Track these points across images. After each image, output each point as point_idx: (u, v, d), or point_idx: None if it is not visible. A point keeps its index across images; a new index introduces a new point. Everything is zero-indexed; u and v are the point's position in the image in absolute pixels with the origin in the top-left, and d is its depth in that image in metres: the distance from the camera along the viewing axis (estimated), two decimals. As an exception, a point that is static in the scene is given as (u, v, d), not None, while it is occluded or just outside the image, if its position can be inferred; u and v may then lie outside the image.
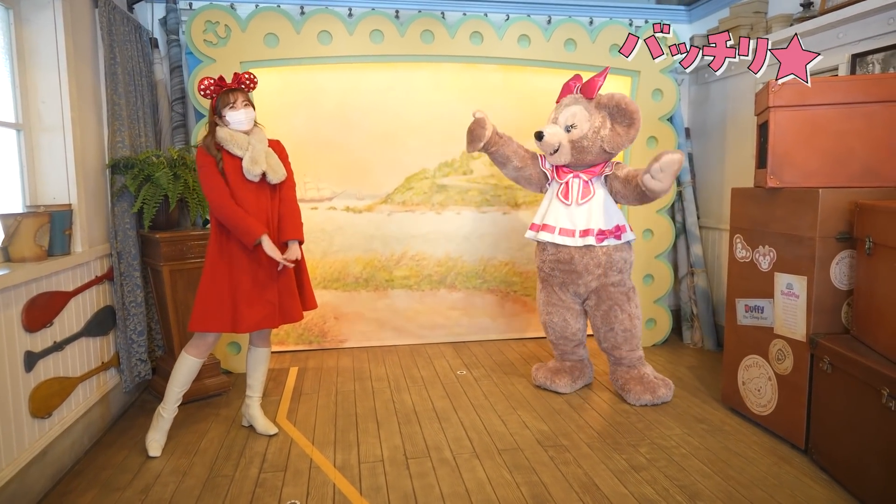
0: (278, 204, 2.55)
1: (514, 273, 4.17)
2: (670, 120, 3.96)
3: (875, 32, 2.79)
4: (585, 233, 2.94)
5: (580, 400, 3.10)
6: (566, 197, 3.00)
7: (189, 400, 3.00)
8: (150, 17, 3.59)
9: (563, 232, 2.97)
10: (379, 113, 3.87)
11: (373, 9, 3.67)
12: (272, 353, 3.33)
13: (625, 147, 2.96)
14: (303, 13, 3.62)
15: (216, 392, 3.18)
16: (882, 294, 2.14)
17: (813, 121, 2.46)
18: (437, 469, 2.40)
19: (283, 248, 2.54)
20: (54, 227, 2.46)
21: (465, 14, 3.79)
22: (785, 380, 2.56)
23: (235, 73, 2.51)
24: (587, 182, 2.99)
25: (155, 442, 2.53)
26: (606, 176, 3.00)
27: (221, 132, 2.44)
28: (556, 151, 2.97)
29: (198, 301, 2.44)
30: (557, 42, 3.76)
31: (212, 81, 2.45)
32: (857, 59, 2.89)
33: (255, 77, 2.53)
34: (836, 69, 2.99)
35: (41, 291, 2.32)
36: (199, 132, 3.44)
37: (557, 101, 3.12)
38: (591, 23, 3.96)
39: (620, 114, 2.89)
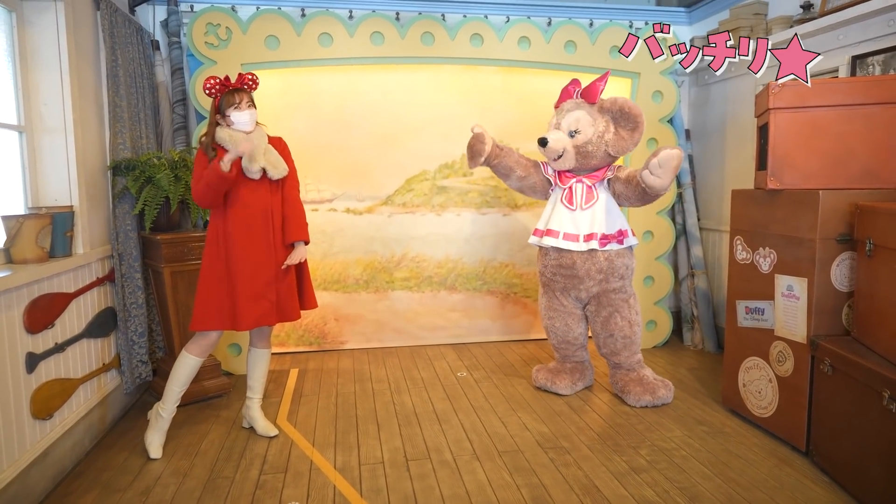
0: (281, 203, 2.55)
1: (514, 275, 4.17)
2: (670, 121, 3.97)
3: (875, 34, 2.79)
4: (589, 237, 2.95)
5: (580, 402, 3.10)
6: (570, 202, 3.00)
7: (189, 401, 3.01)
8: (152, 19, 3.60)
9: (567, 237, 2.97)
10: (379, 115, 3.88)
11: (373, 11, 3.68)
12: (272, 354, 3.34)
13: (629, 150, 2.96)
14: (303, 15, 3.63)
15: (217, 393, 3.18)
16: (883, 296, 2.14)
17: (813, 122, 2.46)
18: (438, 471, 2.40)
19: (288, 249, 2.55)
20: (56, 228, 2.47)
21: (465, 16, 3.80)
22: (785, 382, 2.56)
23: (239, 74, 2.53)
24: (591, 187, 2.99)
25: (155, 443, 2.53)
26: (609, 179, 3.00)
27: (221, 132, 2.46)
28: (560, 157, 2.97)
29: (197, 301, 2.46)
30: (557, 44, 3.76)
31: (217, 80, 2.47)
32: (858, 61, 2.89)
33: (257, 78, 2.56)
34: (837, 71, 2.99)
35: (43, 293, 2.32)
36: (199, 133, 3.45)
37: (556, 106, 3.11)
38: (591, 25, 3.97)
39: (624, 118, 2.89)
